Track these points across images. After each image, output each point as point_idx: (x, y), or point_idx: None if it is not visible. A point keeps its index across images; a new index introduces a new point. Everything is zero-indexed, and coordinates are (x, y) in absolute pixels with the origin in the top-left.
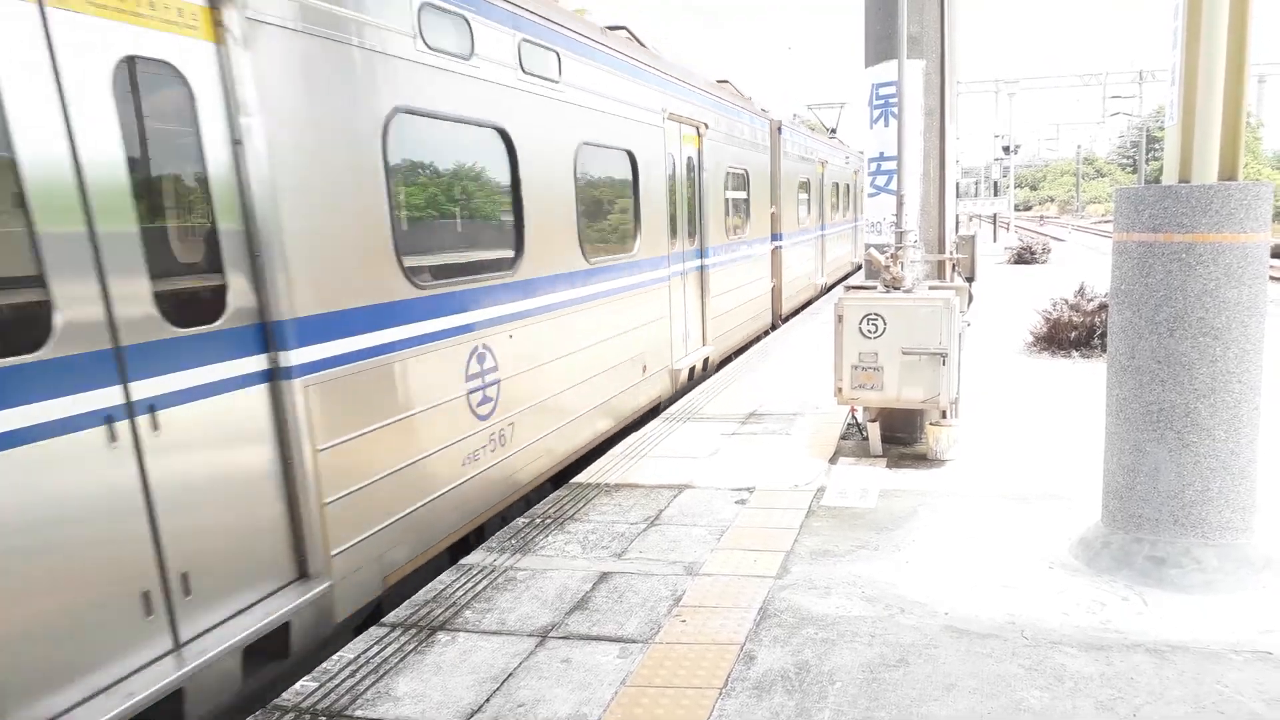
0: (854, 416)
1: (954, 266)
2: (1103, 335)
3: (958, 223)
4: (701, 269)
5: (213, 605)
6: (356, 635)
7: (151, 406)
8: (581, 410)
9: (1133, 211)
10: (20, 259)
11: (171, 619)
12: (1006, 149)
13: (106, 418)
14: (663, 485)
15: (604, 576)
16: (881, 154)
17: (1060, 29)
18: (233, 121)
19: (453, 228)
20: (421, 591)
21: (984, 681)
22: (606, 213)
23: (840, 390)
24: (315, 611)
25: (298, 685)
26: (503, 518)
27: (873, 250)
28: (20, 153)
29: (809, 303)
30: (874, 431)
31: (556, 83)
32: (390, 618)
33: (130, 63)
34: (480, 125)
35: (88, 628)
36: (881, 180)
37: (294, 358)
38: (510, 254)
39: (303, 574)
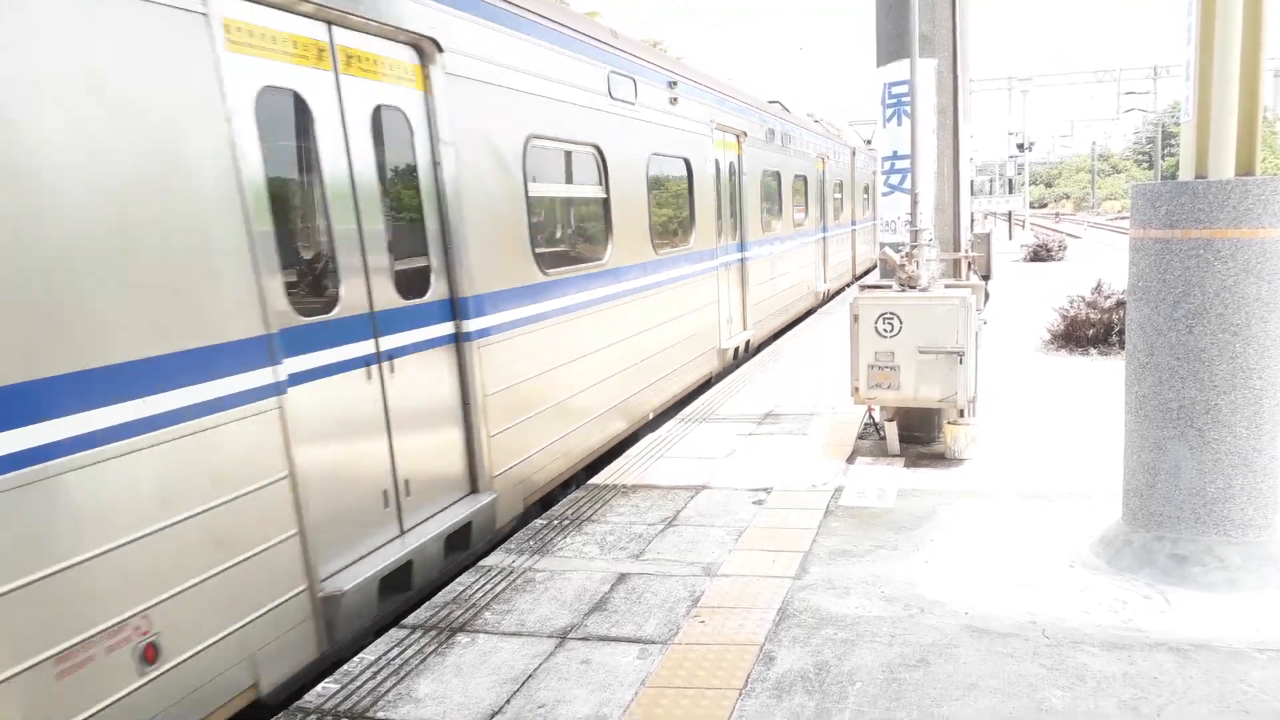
0: (871, 416)
1: (969, 264)
2: (1120, 332)
3: (973, 221)
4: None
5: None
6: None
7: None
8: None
9: (1149, 208)
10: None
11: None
12: (1021, 146)
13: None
14: (680, 486)
15: (622, 577)
16: (895, 153)
17: (1074, 25)
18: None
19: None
20: (441, 593)
21: (1005, 681)
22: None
23: (857, 390)
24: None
25: (319, 687)
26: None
27: (888, 249)
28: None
29: (844, 288)
30: (891, 431)
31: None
32: (410, 619)
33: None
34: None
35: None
36: (895, 179)
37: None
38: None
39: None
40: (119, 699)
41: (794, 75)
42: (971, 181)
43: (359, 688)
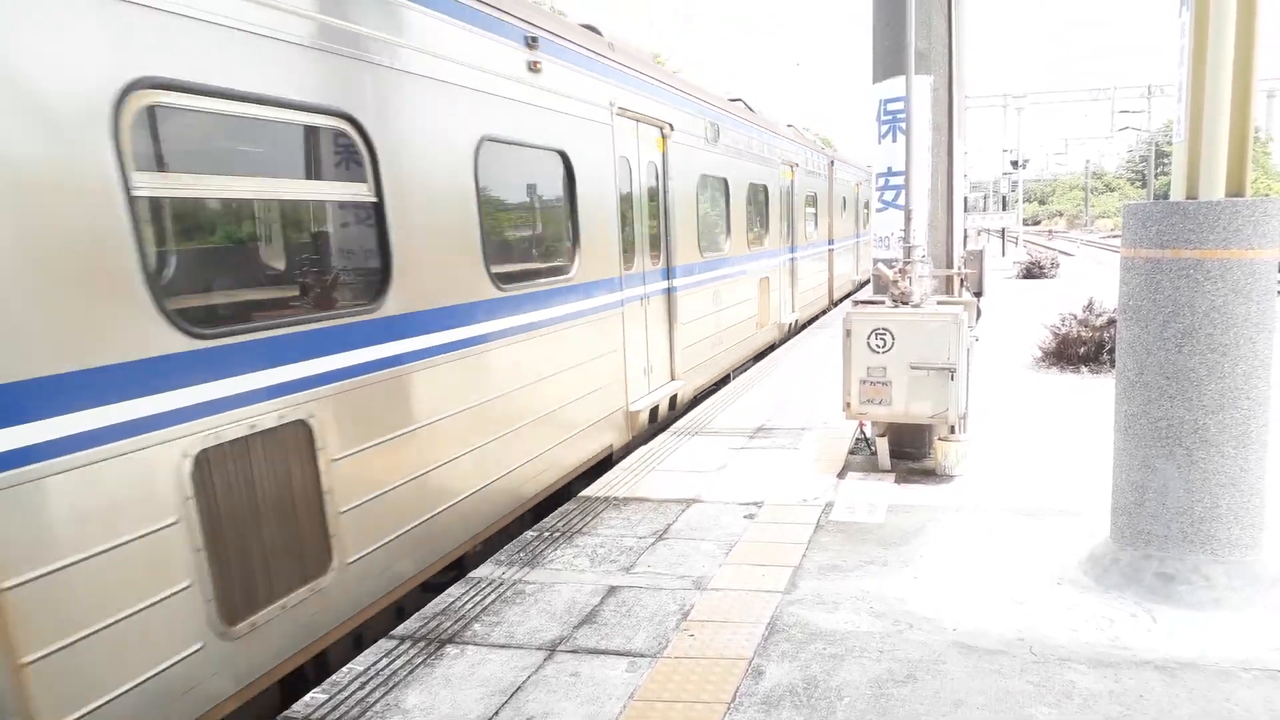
0: (862, 431)
1: (962, 281)
2: (1111, 351)
3: (966, 237)
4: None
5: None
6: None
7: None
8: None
9: (1140, 227)
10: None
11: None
12: (1015, 163)
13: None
14: (671, 499)
15: (612, 590)
16: (889, 169)
17: (1069, 44)
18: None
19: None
20: (430, 604)
21: (992, 698)
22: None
23: (848, 405)
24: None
25: (307, 697)
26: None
27: (881, 265)
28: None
29: (860, 286)
30: (882, 446)
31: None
32: (399, 630)
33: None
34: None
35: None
36: (889, 195)
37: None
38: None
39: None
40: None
41: (793, 91)
42: (965, 198)
43: (347, 698)
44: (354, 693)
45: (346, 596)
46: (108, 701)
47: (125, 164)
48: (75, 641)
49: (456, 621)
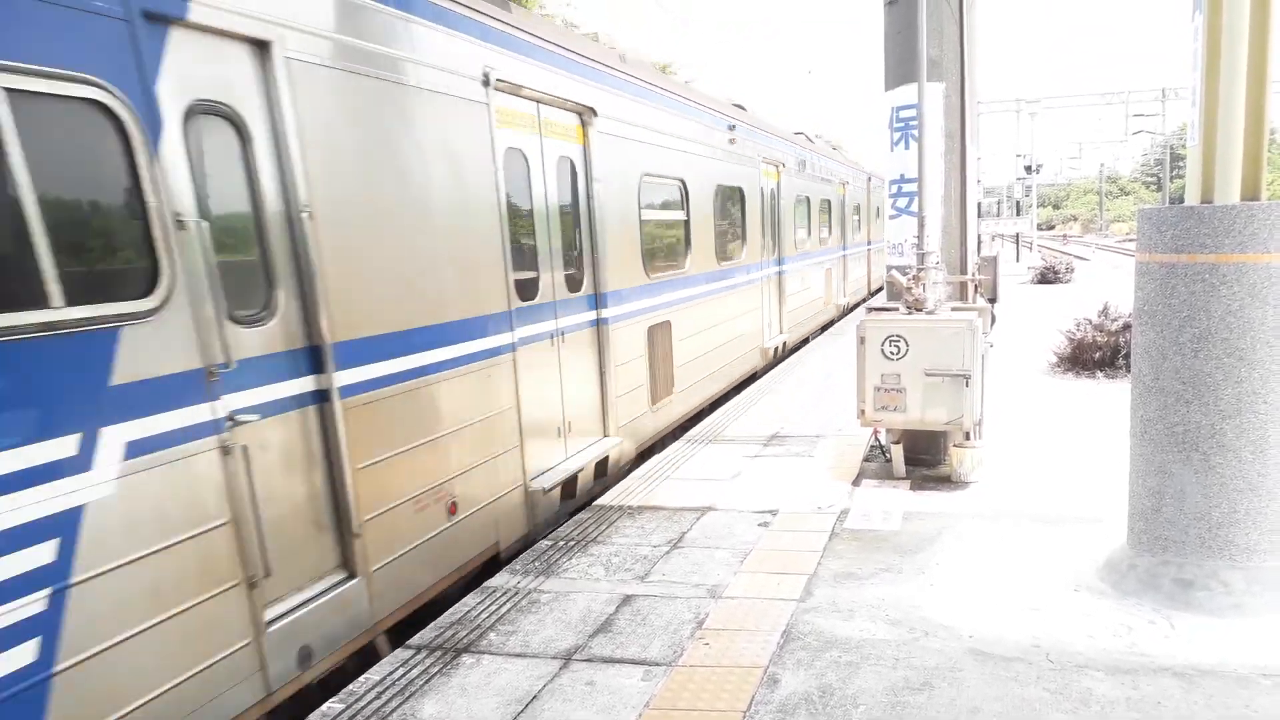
0: (877, 438)
1: (976, 287)
2: (1127, 355)
3: (980, 243)
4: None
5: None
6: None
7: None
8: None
9: (1155, 232)
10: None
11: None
12: (1029, 168)
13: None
14: (685, 508)
15: (627, 599)
16: (902, 176)
17: (1082, 48)
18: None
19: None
20: (446, 614)
21: (1009, 705)
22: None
23: (863, 412)
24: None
25: (324, 706)
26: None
27: (894, 272)
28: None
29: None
30: (897, 453)
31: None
32: (415, 640)
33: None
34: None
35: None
36: (903, 202)
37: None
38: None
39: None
40: None
41: (800, 97)
42: (979, 203)
43: (364, 708)
44: (370, 702)
45: None
46: None
47: None
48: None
49: (472, 631)
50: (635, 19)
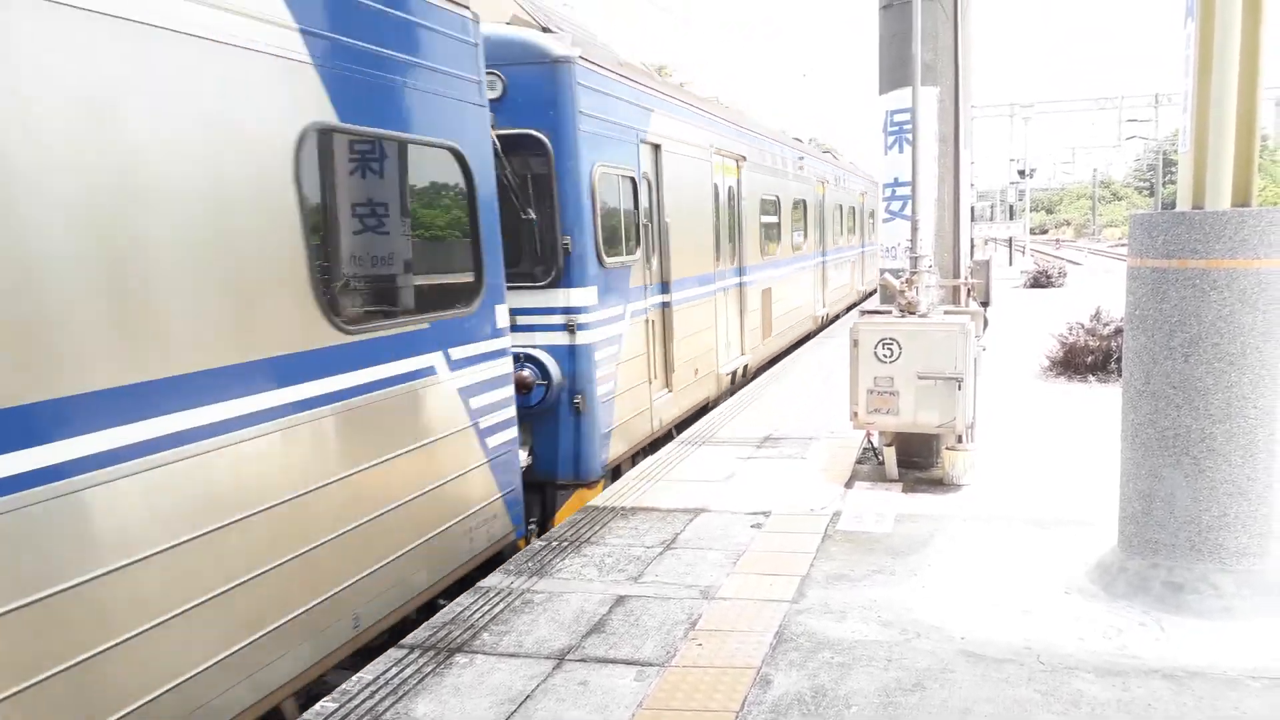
0: (870, 441)
1: (969, 291)
2: (1118, 360)
3: (973, 247)
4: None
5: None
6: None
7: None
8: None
9: (1146, 237)
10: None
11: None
12: (1022, 172)
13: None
14: (678, 509)
15: (620, 600)
16: (896, 179)
17: (1076, 53)
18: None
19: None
20: (439, 614)
21: (1000, 707)
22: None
23: (856, 414)
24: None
25: (318, 705)
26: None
27: (887, 275)
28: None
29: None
30: (890, 456)
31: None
32: (409, 639)
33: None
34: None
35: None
36: (896, 206)
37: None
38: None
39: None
40: None
41: (799, 99)
42: (972, 207)
43: (357, 707)
44: (363, 702)
45: None
46: None
47: None
48: None
49: (465, 631)
50: (630, 18)
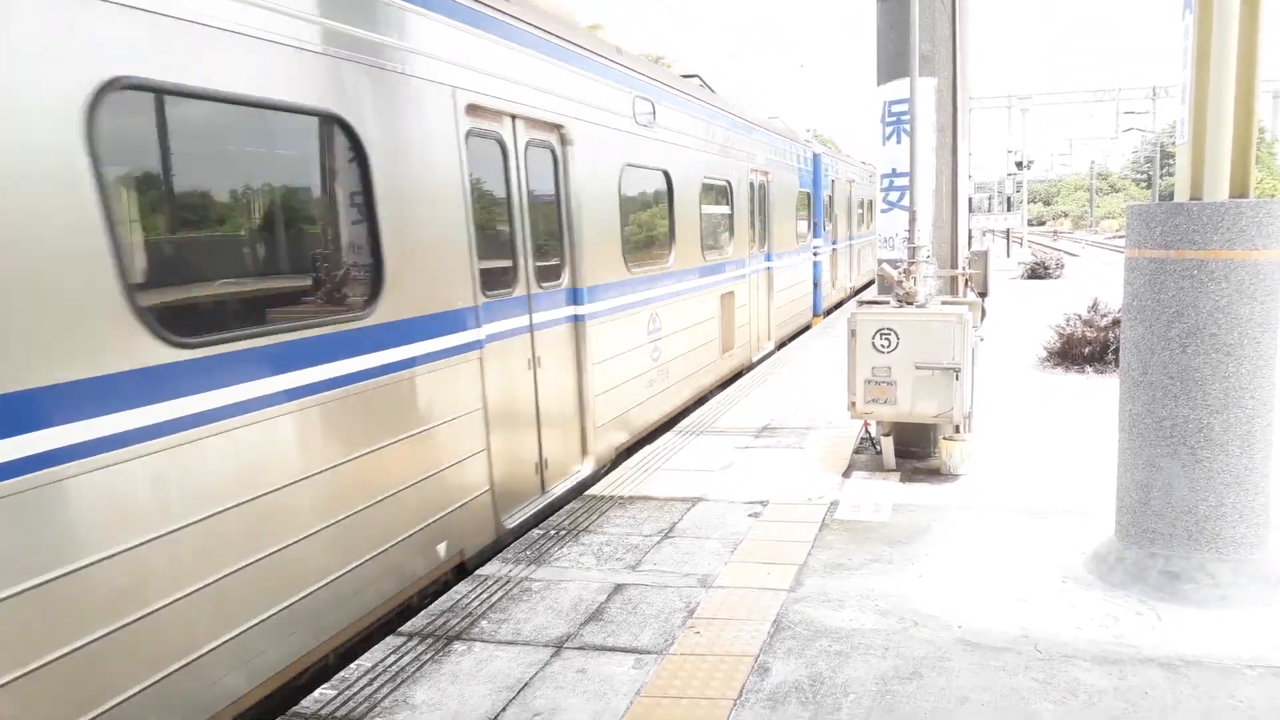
0: (867, 431)
1: (967, 282)
2: (1116, 351)
3: (970, 238)
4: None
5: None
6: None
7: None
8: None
9: (1144, 228)
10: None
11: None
12: (1020, 164)
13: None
14: (676, 498)
15: (618, 588)
16: (894, 170)
17: (1074, 45)
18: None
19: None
20: (438, 602)
21: (997, 695)
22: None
23: (853, 404)
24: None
25: (316, 693)
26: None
27: (885, 265)
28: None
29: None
30: (887, 446)
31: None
32: (407, 627)
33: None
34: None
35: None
36: (894, 196)
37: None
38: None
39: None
40: None
41: (798, 93)
42: (970, 199)
43: (356, 694)
44: (363, 689)
45: None
46: None
47: None
48: None
49: (464, 619)
50: (629, 14)
